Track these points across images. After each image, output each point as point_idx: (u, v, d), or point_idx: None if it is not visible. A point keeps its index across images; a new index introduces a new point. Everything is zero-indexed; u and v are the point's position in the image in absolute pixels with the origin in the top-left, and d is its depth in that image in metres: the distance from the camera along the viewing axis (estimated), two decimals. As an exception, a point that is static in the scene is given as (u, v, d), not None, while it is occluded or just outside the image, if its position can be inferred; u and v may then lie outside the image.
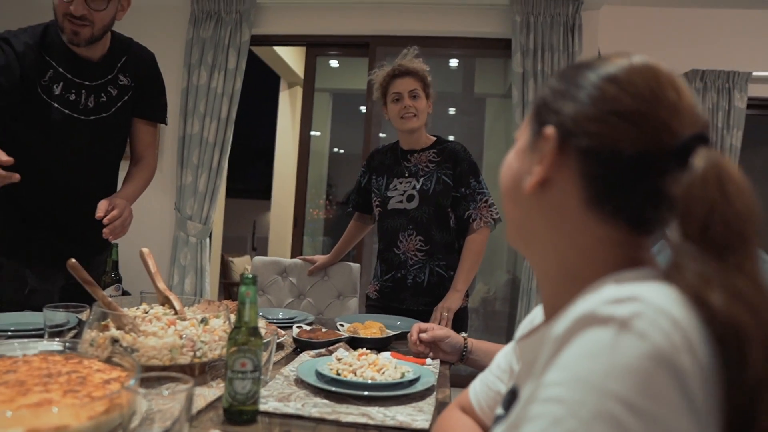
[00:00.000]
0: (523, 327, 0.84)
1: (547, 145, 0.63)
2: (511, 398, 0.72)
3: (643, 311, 0.47)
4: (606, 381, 0.45)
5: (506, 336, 4.10)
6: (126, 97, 1.95)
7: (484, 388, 0.92)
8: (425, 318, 2.06)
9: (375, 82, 2.23)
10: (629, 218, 0.60)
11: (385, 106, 2.22)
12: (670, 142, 0.57)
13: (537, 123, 0.67)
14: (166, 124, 2.11)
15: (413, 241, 2.15)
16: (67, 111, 1.82)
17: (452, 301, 2.04)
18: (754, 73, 3.84)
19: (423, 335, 1.56)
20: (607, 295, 0.51)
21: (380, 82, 2.19)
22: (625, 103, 0.59)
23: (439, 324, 1.95)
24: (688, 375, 0.45)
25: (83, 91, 1.85)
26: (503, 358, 0.90)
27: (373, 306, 2.26)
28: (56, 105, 1.80)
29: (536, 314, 0.82)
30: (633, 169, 0.58)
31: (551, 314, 0.65)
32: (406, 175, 2.20)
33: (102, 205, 1.70)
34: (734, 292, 0.49)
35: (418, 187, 2.16)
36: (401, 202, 2.18)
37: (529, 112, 0.71)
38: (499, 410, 0.74)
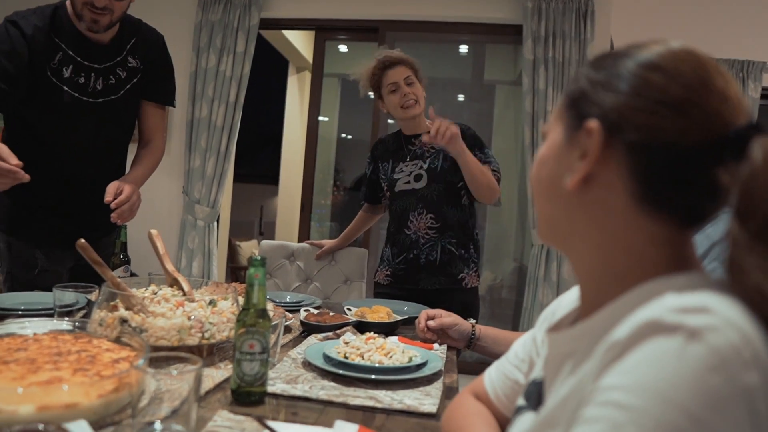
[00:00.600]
0: (544, 318, 0.83)
1: (590, 139, 0.60)
2: (535, 390, 0.71)
3: (713, 323, 0.46)
4: (672, 390, 0.44)
5: (512, 324, 4.11)
6: (135, 80, 1.94)
7: (500, 376, 0.91)
8: (440, 298, 2.06)
9: (361, 78, 2.23)
10: (681, 213, 0.58)
11: (380, 99, 2.21)
12: (723, 131, 0.55)
13: (574, 115, 0.63)
14: (174, 106, 2.11)
15: (424, 220, 2.15)
16: (76, 94, 1.82)
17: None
18: (769, 63, 3.80)
19: (431, 323, 1.55)
20: (673, 303, 0.49)
21: (369, 77, 2.19)
22: (673, 92, 0.56)
23: (443, 122, 1.88)
24: (755, 392, 0.44)
25: (92, 74, 1.84)
26: (521, 348, 0.88)
27: (386, 292, 2.24)
28: (66, 88, 1.80)
29: (558, 306, 0.81)
30: (686, 162, 0.56)
31: (591, 310, 0.63)
32: (411, 158, 2.20)
33: (111, 189, 1.70)
34: None
35: (425, 167, 2.16)
36: (408, 182, 2.18)
37: (561, 103, 0.67)
38: (521, 401, 0.73)
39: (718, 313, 0.47)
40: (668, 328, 0.47)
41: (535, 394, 0.71)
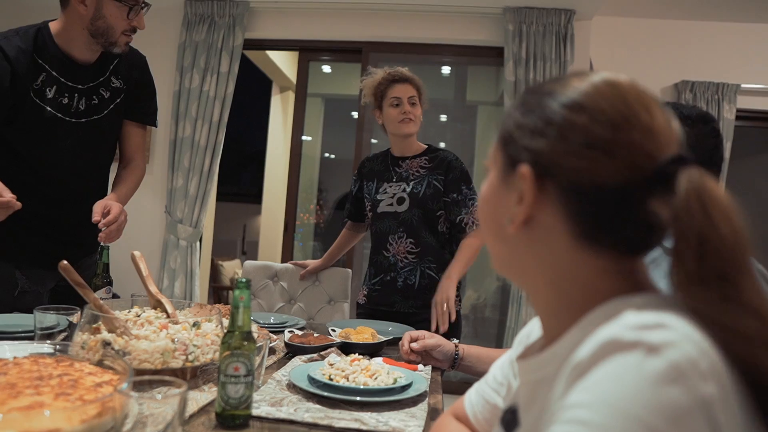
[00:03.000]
0: (519, 341, 0.84)
1: (524, 183, 0.61)
2: (510, 418, 0.72)
3: (671, 338, 0.48)
4: (632, 405, 0.45)
5: (496, 343, 4.11)
6: (118, 100, 1.94)
7: (480, 399, 0.92)
8: (415, 320, 2.06)
9: (366, 87, 2.24)
10: (621, 247, 0.59)
11: (378, 110, 2.23)
12: (649, 166, 0.55)
13: (507, 158, 0.65)
14: (156, 126, 2.11)
15: (403, 244, 2.15)
16: (59, 114, 1.81)
17: (448, 289, 1.99)
18: (743, 85, 3.90)
19: (414, 345, 1.55)
20: (631, 321, 0.50)
21: (375, 86, 2.20)
22: (597, 133, 0.57)
23: (444, 312, 1.94)
24: (713, 402, 0.45)
25: (75, 94, 1.84)
26: (499, 371, 0.89)
27: (363, 312, 2.26)
28: (49, 108, 1.79)
29: (532, 329, 0.82)
30: (618, 199, 0.56)
31: (554, 338, 0.64)
32: (396, 179, 2.21)
33: (98, 208, 1.69)
34: (744, 333, 0.50)
35: (408, 190, 2.17)
36: (391, 204, 2.19)
37: (496, 142, 0.68)
38: (498, 429, 0.74)
39: (676, 328, 0.49)
40: (627, 345, 0.48)
41: (511, 422, 0.72)
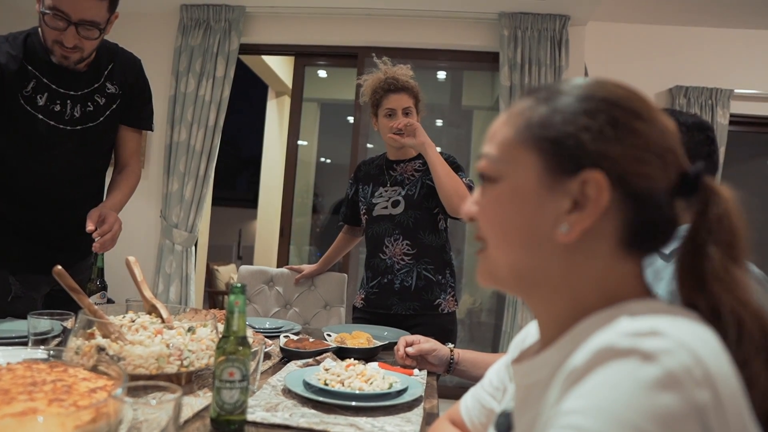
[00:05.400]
0: (515, 346, 0.84)
1: (593, 190, 0.58)
2: (503, 421, 0.72)
3: (666, 346, 0.48)
4: (627, 412, 0.46)
5: (492, 347, 4.11)
6: (114, 106, 1.93)
7: (476, 404, 0.92)
8: (411, 324, 2.06)
9: (365, 87, 2.24)
10: (653, 250, 0.62)
11: (374, 116, 2.23)
12: (681, 169, 0.60)
13: (558, 160, 0.60)
14: (152, 130, 2.10)
15: (400, 246, 2.15)
16: (51, 122, 1.79)
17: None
18: (736, 91, 3.92)
19: (409, 349, 1.55)
20: (625, 328, 0.51)
21: (372, 92, 2.20)
22: (654, 138, 0.59)
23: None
24: (707, 409, 0.46)
25: (68, 102, 1.82)
26: (495, 375, 0.89)
27: (360, 316, 2.25)
28: (40, 116, 1.77)
29: (528, 333, 0.82)
30: (665, 203, 0.59)
31: (547, 343, 0.64)
32: (391, 183, 2.21)
33: (92, 217, 1.68)
34: (743, 303, 0.56)
35: (403, 193, 2.17)
36: (386, 207, 2.19)
37: (523, 144, 0.62)
38: (492, 431, 0.74)
39: (671, 335, 0.49)
40: (622, 352, 0.49)
41: (504, 426, 0.72)
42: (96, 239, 1.67)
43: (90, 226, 1.65)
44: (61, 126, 1.81)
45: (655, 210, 0.59)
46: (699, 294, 0.58)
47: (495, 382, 0.89)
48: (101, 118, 1.89)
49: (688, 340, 0.49)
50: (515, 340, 0.85)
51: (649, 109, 0.61)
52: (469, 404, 0.94)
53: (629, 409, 0.46)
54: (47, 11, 1.62)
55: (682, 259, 0.61)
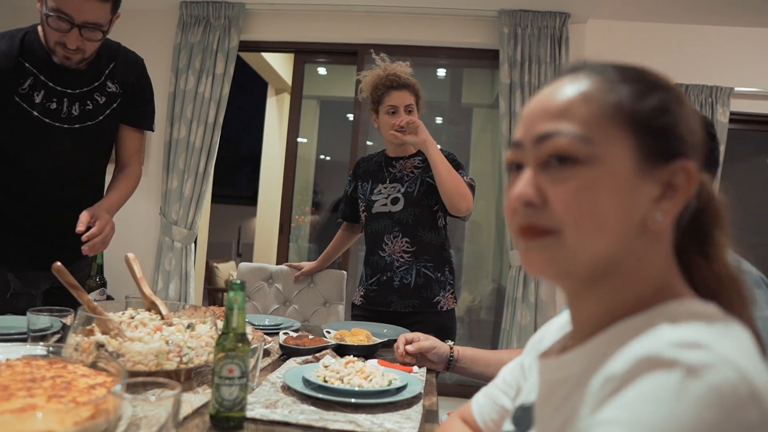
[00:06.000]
0: (532, 347, 0.84)
1: (684, 180, 0.59)
2: (524, 414, 0.71)
3: (710, 360, 0.47)
4: (670, 427, 0.44)
5: (491, 344, 4.11)
6: (114, 105, 1.91)
7: (488, 401, 0.92)
8: (411, 322, 2.06)
9: (365, 83, 2.23)
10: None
11: (375, 113, 2.22)
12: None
13: (655, 149, 0.59)
14: (153, 130, 2.09)
15: (399, 243, 2.15)
16: (47, 120, 1.78)
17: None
18: (736, 89, 3.91)
19: (409, 347, 1.55)
20: (669, 338, 0.50)
21: (372, 88, 2.19)
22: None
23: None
24: (753, 429, 0.45)
25: (65, 99, 1.81)
26: (509, 374, 0.89)
27: (359, 314, 2.25)
28: (36, 113, 1.77)
29: (548, 331, 0.81)
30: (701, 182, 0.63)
31: (584, 337, 0.63)
32: (390, 180, 2.21)
33: (83, 218, 1.67)
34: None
35: (402, 190, 2.17)
36: (386, 205, 2.19)
37: (624, 127, 0.59)
38: (509, 426, 0.74)
39: (715, 349, 0.48)
40: (666, 364, 0.47)
41: (524, 419, 0.71)
42: (86, 241, 1.66)
43: (80, 227, 1.64)
44: (58, 124, 1.80)
45: (705, 196, 0.64)
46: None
47: (509, 380, 0.89)
48: (100, 117, 1.88)
49: (733, 355, 0.48)
50: (532, 339, 0.85)
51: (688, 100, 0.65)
52: (481, 402, 0.93)
53: (672, 425, 0.44)
54: (50, 13, 1.61)
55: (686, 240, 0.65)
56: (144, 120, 2.03)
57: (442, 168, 2.02)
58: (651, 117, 0.59)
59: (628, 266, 0.60)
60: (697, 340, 0.49)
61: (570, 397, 0.59)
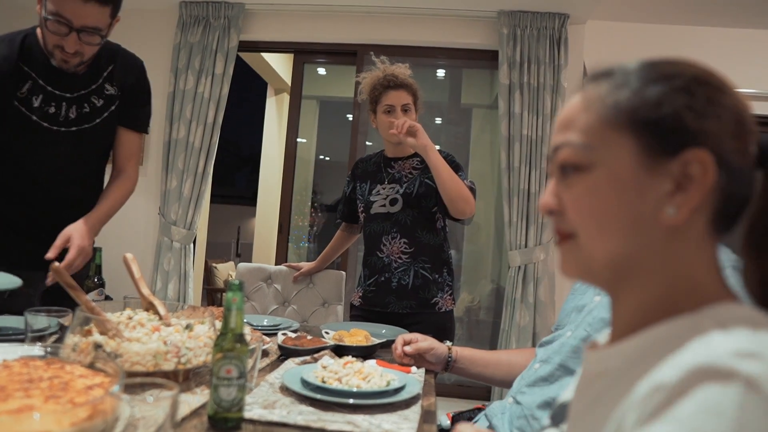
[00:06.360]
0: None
1: (700, 170, 0.56)
2: (560, 412, 0.70)
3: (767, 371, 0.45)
4: None
5: (490, 345, 4.11)
6: (112, 107, 1.91)
7: None
8: (409, 323, 2.06)
9: (364, 85, 2.24)
10: (730, 232, 0.61)
11: (373, 113, 2.22)
12: (761, 142, 0.59)
13: (658, 141, 0.58)
14: (147, 133, 2.07)
15: (397, 244, 2.15)
16: (45, 124, 1.78)
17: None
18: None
19: (407, 348, 1.55)
20: (724, 347, 0.48)
21: (371, 89, 2.19)
22: (742, 112, 0.58)
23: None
24: None
25: (63, 103, 1.80)
26: None
27: (357, 314, 2.25)
28: (35, 117, 1.76)
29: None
30: (749, 180, 0.59)
31: (624, 334, 0.62)
32: (388, 181, 2.21)
33: (58, 244, 1.64)
34: None
35: (401, 191, 2.17)
36: (384, 205, 2.19)
37: (622, 128, 0.60)
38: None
39: None
40: (723, 376, 0.45)
41: (560, 415, 0.70)
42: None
43: (50, 254, 1.60)
44: (55, 128, 1.80)
45: (744, 186, 0.59)
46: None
47: None
48: (97, 120, 1.88)
49: None
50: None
51: (726, 83, 0.60)
52: None
53: None
54: (49, 17, 1.61)
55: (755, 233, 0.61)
56: (139, 122, 2.01)
57: (444, 173, 2.02)
58: (648, 112, 0.59)
59: (652, 264, 0.59)
60: (754, 349, 0.47)
61: (605, 394, 0.58)
